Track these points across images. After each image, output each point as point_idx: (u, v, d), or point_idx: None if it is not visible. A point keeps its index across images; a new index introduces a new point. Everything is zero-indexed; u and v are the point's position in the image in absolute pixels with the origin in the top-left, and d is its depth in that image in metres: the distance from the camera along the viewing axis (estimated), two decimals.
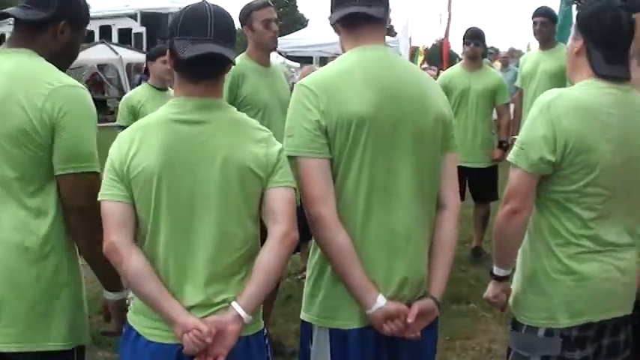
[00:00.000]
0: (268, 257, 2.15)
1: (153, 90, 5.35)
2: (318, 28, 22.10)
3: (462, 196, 6.36)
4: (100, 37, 22.38)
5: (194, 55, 2.08)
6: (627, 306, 2.50)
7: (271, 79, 4.16)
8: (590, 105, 2.35)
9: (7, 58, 2.34)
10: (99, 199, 2.16)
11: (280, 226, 2.15)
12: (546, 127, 2.31)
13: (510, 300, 2.57)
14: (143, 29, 23.64)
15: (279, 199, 2.17)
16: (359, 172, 2.23)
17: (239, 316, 2.12)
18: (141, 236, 2.18)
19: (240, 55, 4.20)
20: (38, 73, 2.30)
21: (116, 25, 24.17)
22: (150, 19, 23.30)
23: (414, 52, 18.88)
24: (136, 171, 2.11)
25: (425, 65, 18.13)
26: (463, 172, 6.12)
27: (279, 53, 20.44)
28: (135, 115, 5.04)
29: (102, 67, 22.11)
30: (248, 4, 4.19)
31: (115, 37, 23.75)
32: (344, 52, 2.35)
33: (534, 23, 6.08)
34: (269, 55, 4.24)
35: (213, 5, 2.16)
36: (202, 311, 2.13)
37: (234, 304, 2.13)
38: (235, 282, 2.17)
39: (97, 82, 21.79)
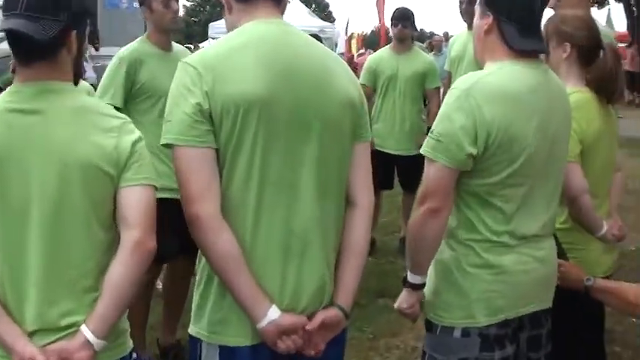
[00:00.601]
0: (118, 271, 1.87)
1: None
2: None
3: (391, 185, 6.17)
4: None
5: None
6: (547, 298, 2.34)
7: (173, 65, 3.81)
8: (510, 90, 2.13)
9: None
10: None
11: (133, 233, 1.87)
12: (465, 117, 2.08)
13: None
14: None
15: (133, 200, 1.89)
16: (249, 164, 1.92)
17: (88, 341, 1.83)
18: None
19: (139, 39, 3.88)
20: None
21: None
22: None
23: (350, 39, 18.82)
24: None
25: (362, 50, 18.01)
26: (391, 160, 5.99)
27: (212, 38, 20.05)
28: None
29: None
30: None
31: None
32: None
33: (460, 3, 5.78)
34: (170, 38, 3.91)
35: None
36: (47, 337, 1.84)
37: (83, 327, 1.84)
38: (89, 301, 1.88)
39: None
